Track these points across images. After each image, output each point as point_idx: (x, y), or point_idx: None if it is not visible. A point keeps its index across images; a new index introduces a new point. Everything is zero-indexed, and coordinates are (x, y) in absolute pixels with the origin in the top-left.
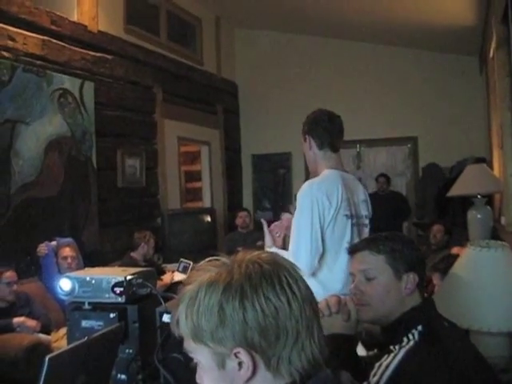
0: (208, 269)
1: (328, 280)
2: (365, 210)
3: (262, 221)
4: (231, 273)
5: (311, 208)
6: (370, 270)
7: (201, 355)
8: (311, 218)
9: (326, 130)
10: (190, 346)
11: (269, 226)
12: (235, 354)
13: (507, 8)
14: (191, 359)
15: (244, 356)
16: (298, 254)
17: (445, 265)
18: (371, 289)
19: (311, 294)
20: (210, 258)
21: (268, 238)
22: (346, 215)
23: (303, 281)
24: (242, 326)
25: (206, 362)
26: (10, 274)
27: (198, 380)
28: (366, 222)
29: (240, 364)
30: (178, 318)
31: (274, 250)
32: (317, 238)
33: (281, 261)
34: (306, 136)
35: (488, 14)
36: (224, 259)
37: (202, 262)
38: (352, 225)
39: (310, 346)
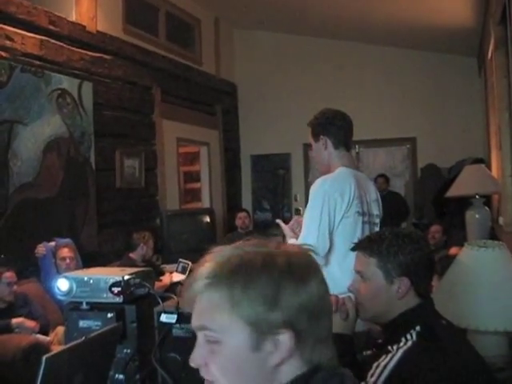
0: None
1: (339, 277)
2: (376, 210)
3: (278, 221)
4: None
5: (322, 204)
6: (363, 271)
7: (230, 335)
8: (320, 215)
9: (342, 128)
10: (217, 323)
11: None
12: (278, 335)
13: (505, 9)
14: (188, 359)
15: (287, 337)
16: None
17: (441, 266)
18: (364, 289)
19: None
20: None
21: (288, 232)
22: (358, 212)
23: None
24: (297, 309)
25: (235, 342)
26: (9, 275)
27: (196, 361)
28: (377, 221)
29: (276, 346)
30: (210, 284)
31: (293, 241)
32: (324, 233)
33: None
34: (321, 136)
35: (486, 15)
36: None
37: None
38: (363, 222)
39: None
